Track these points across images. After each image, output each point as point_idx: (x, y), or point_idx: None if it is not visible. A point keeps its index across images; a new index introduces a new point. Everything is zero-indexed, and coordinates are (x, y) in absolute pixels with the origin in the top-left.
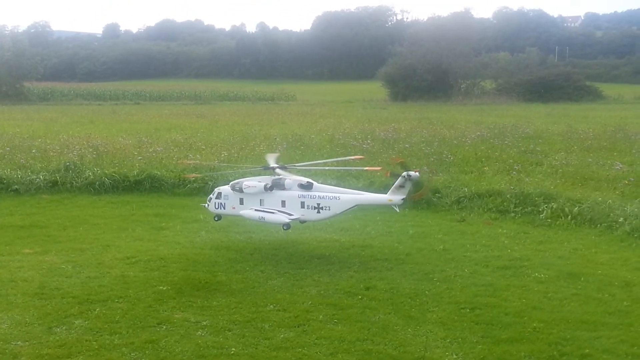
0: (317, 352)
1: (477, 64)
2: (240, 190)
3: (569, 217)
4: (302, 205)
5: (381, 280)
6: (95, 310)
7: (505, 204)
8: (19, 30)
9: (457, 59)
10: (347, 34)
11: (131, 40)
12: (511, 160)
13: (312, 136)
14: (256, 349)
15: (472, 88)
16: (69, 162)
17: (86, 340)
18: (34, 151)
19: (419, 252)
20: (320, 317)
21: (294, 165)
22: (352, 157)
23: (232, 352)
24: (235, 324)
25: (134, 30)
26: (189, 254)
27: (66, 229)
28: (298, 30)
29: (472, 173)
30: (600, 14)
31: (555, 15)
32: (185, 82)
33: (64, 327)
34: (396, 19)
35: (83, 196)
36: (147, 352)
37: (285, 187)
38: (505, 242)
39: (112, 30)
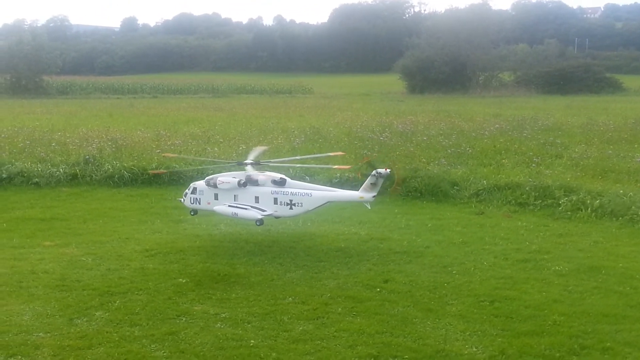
0: (336, 345)
1: (495, 56)
2: (215, 186)
3: (590, 209)
4: (275, 201)
5: (400, 273)
6: (115, 302)
7: (524, 196)
8: (38, 25)
9: (475, 51)
10: (364, 26)
11: (149, 34)
12: (530, 153)
13: (329, 129)
14: (275, 341)
15: (490, 80)
16: (88, 155)
17: (107, 332)
18: (53, 144)
19: (438, 244)
20: (339, 309)
21: (268, 162)
22: (333, 154)
23: (252, 344)
24: (254, 316)
25: (152, 24)
26: (208, 246)
27: (86, 221)
28: (315, 23)
29: (490, 166)
30: (620, 5)
31: (575, 7)
32: (202, 75)
33: (84, 319)
34: (413, 11)
35: (102, 189)
36: (167, 343)
37: (259, 183)
38: (525, 235)
39: (130, 24)
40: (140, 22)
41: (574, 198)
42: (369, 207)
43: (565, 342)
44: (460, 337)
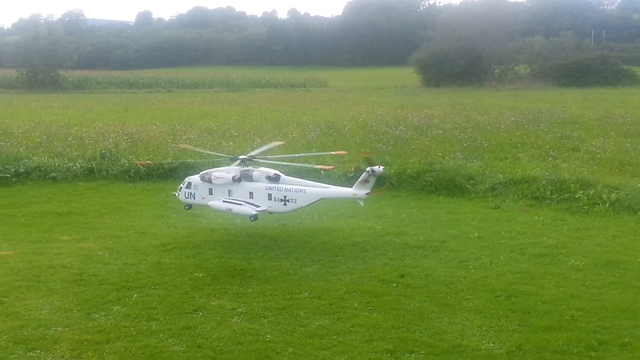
0: (352, 339)
1: (511, 48)
2: (210, 181)
3: (607, 203)
4: (270, 197)
5: (416, 268)
6: (132, 296)
7: (541, 190)
8: (54, 19)
9: (490, 44)
10: (379, 19)
11: (163, 28)
12: (547, 146)
13: (344, 123)
14: (291, 335)
15: (506, 73)
16: (104, 149)
17: (124, 326)
18: (70, 139)
19: (454, 239)
20: (355, 304)
21: (260, 159)
22: (335, 152)
23: (268, 339)
24: (271, 311)
25: (167, 18)
26: (224, 241)
27: (103, 216)
28: (329, 17)
29: (506, 159)
30: None
31: None
32: (217, 69)
33: (102, 313)
34: (428, 3)
35: (118, 183)
36: (184, 338)
37: (253, 178)
38: (542, 229)
39: (144, 18)
40: (155, 16)
41: (591, 192)
42: (362, 204)
43: (583, 338)
44: (477, 333)
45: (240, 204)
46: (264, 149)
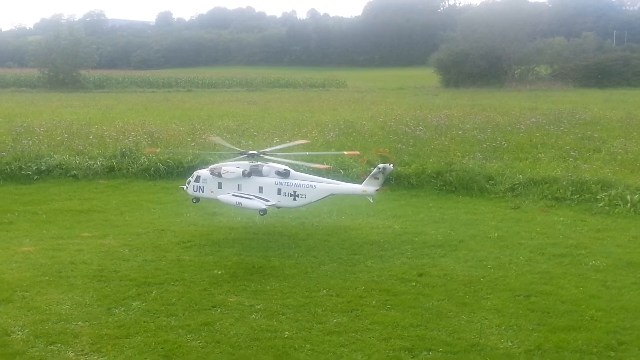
0: (370, 337)
1: (531, 49)
2: (219, 175)
3: (628, 204)
4: (279, 192)
5: (434, 267)
6: (152, 292)
7: (561, 191)
8: (75, 19)
9: (511, 45)
10: (399, 19)
11: (183, 28)
12: (567, 147)
13: (363, 123)
14: (309, 333)
15: (527, 74)
16: (124, 148)
17: (144, 322)
18: (91, 137)
19: (473, 239)
20: (373, 302)
21: (273, 153)
22: (348, 153)
23: (286, 336)
24: (289, 308)
25: (187, 19)
26: (243, 239)
27: (123, 213)
28: (349, 17)
29: (526, 160)
30: None
31: None
32: (236, 69)
33: (122, 309)
34: (448, 4)
35: (139, 181)
36: (202, 334)
37: (263, 173)
38: (562, 229)
39: (165, 19)
40: (175, 16)
41: (612, 193)
42: (372, 201)
43: (603, 338)
44: (495, 332)
45: (250, 198)
46: (286, 145)
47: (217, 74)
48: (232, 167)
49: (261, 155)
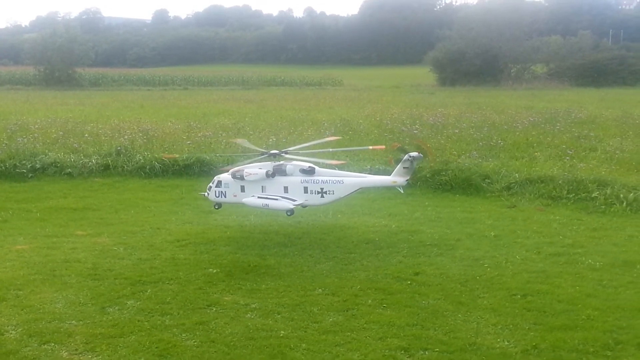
0: (366, 337)
1: (528, 48)
2: (242, 178)
3: (624, 203)
4: (306, 190)
5: (430, 266)
6: (146, 291)
7: (557, 190)
8: (71, 17)
9: (507, 43)
10: (395, 18)
11: (180, 26)
12: (564, 146)
13: (359, 121)
14: (305, 332)
15: (523, 72)
16: (120, 146)
17: (138, 321)
18: (86, 135)
19: (469, 237)
20: (369, 301)
21: (296, 151)
22: (372, 147)
23: (281, 335)
24: (284, 307)
25: (183, 16)
26: (238, 237)
27: (118, 211)
28: (345, 15)
29: (522, 159)
30: None
31: None
32: (232, 67)
33: (116, 308)
34: (445, 2)
35: (134, 180)
36: (197, 333)
37: (287, 173)
38: (558, 228)
39: (161, 16)
40: (171, 14)
41: (608, 192)
42: (402, 192)
43: (599, 337)
44: (491, 331)
45: (276, 199)
46: (316, 142)
47: (213, 72)
48: (255, 169)
49: (282, 154)
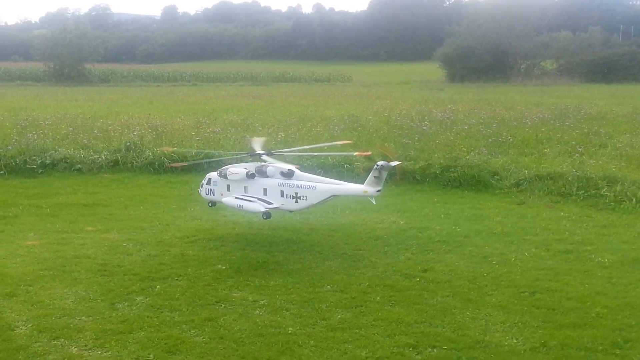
0: (374, 334)
1: (537, 43)
2: (226, 177)
3: (634, 200)
4: (282, 194)
5: (439, 263)
6: (156, 287)
7: (566, 186)
8: (81, 13)
9: (517, 39)
10: (404, 14)
11: (189, 22)
12: (573, 142)
13: (368, 117)
14: (313, 329)
15: (532, 68)
16: (129, 142)
17: (147, 317)
18: (96, 131)
19: (478, 234)
20: (378, 298)
21: (280, 151)
22: (340, 142)
23: (290, 332)
24: (293, 304)
25: (192, 13)
26: (247, 234)
27: (127, 207)
28: (354, 11)
29: (532, 155)
30: None
31: None
32: (241, 63)
33: (126, 304)
34: None
35: (143, 176)
36: (206, 329)
37: (268, 174)
38: (567, 225)
39: (170, 13)
40: (180, 10)
41: (618, 188)
42: (374, 202)
43: (609, 335)
44: (500, 328)
45: (251, 201)
46: (326, 145)
47: (222, 68)
48: (238, 169)
49: (273, 154)
